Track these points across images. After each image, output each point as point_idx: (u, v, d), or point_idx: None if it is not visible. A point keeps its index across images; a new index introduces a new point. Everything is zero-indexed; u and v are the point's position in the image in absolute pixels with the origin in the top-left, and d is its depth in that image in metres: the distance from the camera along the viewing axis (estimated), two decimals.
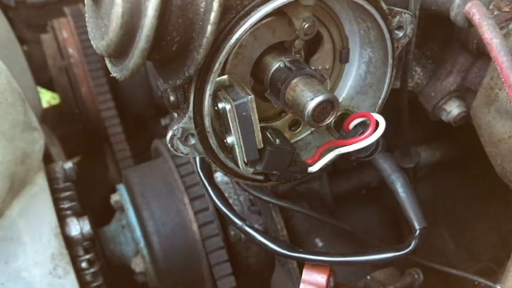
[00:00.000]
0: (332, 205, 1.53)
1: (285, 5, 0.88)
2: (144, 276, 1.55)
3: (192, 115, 0.93)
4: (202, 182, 1.11)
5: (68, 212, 1.32)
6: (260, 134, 0.93)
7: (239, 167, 0.98)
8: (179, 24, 0.80)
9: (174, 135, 0.94)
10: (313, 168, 1.02)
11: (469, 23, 0.97)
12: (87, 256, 1.31)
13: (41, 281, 1.21)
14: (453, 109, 1.20)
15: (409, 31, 1.02)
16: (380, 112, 1.07)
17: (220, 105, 0.92)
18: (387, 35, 0.99)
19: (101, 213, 1.72)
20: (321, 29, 1.01)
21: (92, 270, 1.31)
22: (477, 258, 1.69)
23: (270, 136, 0.98)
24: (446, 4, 1.01)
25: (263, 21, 0.93)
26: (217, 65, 0.88)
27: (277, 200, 1.32)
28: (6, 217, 1.22)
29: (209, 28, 0.79)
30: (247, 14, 0.86)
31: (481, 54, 1.13)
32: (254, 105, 0.90)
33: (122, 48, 0.81)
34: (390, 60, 1.02)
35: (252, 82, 1.01)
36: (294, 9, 0.93)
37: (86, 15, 0.90)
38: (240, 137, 0.92)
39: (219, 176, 1.49)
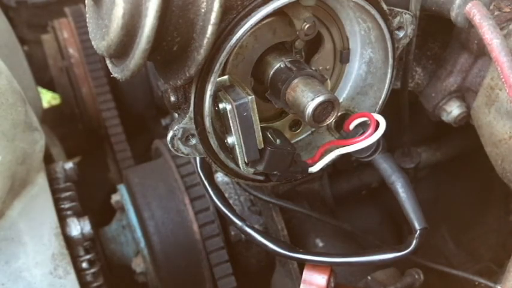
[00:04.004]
0: (332, 205, 1.53)
1: (286, 6, 0.88)
2: (145, 277, 1.55)
3: (192, 115, 0.93)
4: (203, 182, 1.11)
5: (69, 212, 1.32)
6: (261, 134, 0.93)
7: (240, 167, 0.98)
8: (180, 24, 0.80)
9: (175, 135, 0.94)
10: (313, 169, 1.02)
11: (470, 23, 0.97)
12: (88, 256, 1.31)
13: (41, 281, 1.21)
14: (453, 109, 1.20)
15: (409, 31, 1.02)
16: (380, 112, 1.07)
17: (220, 106, 0.92)
18: (388, 36, 0.99)
19: (102, 214, 1.72)
20: (322, 30, 1.01)
21: (92, 270, 1.31)
22: (477, 259, 1.69)
23: (270, 136, 0.98)
24: (447, 4, 1.01)
25: (264, 22, 0.93)
26: (217, 65, 0.88)
27: (277, 200, 1.32)
28: (7, 217, 1.22)
29: (210, 28, 0.79)
30: (248, 14, 0.87)
31: (482, 55, 1.13)
32: (255, 106, 0.90)
33: (122, 48, 0.81)
34: (391, 61, 1.02)
35: (252, 82, 1.01)
36: (294, 9, 0.93)
37: (87, 15, 0.90)
38: (241, 137, 0.93)
39: (219, 176, 1.49)
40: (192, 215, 1.47)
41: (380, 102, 1.07)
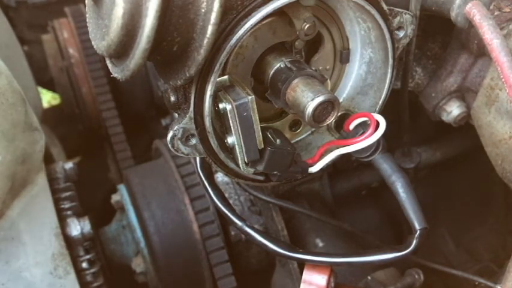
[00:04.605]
0: (332, 205, 1.53)
1: (286, 6, 0.88)
2: (145, 277, 1.55)
3: (192, 115, 0.93)
4: (203, 182, 1.11)
5: (69, 212, 1.32)
6: (261, 134, 0.93)
7: (240, 167, 0.98)
8: (180, 24, 0.80)
9: (175, 135, 0.94)
10: (313, 169, 1.02)
11: (470, 23, 0.97)
12: (88, 256, 1.31)
13: (41, 281, 1.21)
14: (454, 109, 1.20)
15: (409, 31, 1.02)
16: (380, 112, 1.07)
17: (220, 106, 0.92)
18: (388, 36, 0.99)
19: (102, 214, 1.72)
20: (322, 30, 1.01)
21: (92, 270, 1.31)
22: (477, 259, 1.69)
23: (270, 136, 0.98)
24: (447, 4, 1.01)
25: (264, 22, 0.93)
26: (217, 65, 0.88)
27: (277, 200, 1.32)
28: (7, 217, 1.22)
29: (210, 28, 0.79)
30: (248, 14, 0.87)
31: (482, 55, 1.13)
32: (255, 106, 0.90)
33: (122, 48, 0.81)
34: (391, 61, 1.02)
35: (252, 82, 1.01)
36: (294, 9, 0.93)
37: (87, 15, 0.90)
38: (241, 137, 0.92)
39: (219, 176, 1.49)
40: (192, 215, 1.47)
41: (380, 102, 1.07)
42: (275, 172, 0.98)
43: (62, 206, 1.32)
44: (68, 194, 1.35)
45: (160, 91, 2.02)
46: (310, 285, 1.02)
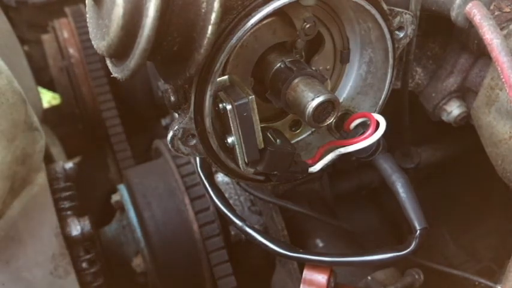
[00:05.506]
0: (333, 205, 1.53)
1: (286, 6, 0.88)
2: (145, 277, 1.55)
3: (192, 115, 0.93)
4: (203, 182, 1.11)
5: (69, 212, 1.32)
6: (261, 134, 0.94)
7: (240, 167, 0.98)
8: (180, 24, 0.80)
9: (175, 135, 0.94)
10: (313, 169, 1.02)
11: (470, 23, 0.97)
12: (88, 256, 1.31)
13: (41, 281, 1.21)
14: (454, 109, 1.20)
15: (409, 31, 1.02)
16: (381, 112, 1.07)
17: (221, 106, 0.92)
18: (388, 36, 0.99)
19: (102, 214, 1.72)
20: (322, 30, 1.01)
21: (92, 270, 1.31)
22: (477, 259, 1.69)
23: (270, 136, 0.98)
24: (447, 4, 1.01)
25: (264, 22, 0.93)
26: (218, 65, 0.88)
27: (277, 200, 1.32)
28: (7, 217, 1.22)
29: (210, 28, 0.79)
30: (248, 14, 0.87)
31: (482, 55, 1.13)
32: (255, 106, 0.90)
33: (122, 48, 0.81)
34: (391, 61, 1.02)
35: (252, 82, 1.01)
36: (294, 9, 0.93)
37: (87, 15, 0.90)
38: (241, 137, 0.93)
39: (219, 176, 1.49)
40: (192, 215, 1.47)
41: (380, 102, 1.07)
42: (275, 172, 0.98)
43: (62, 206, 1.32)
44: (68, 193, 1.35)
45: (160, 91, 2.02)
46: (310, 285, 1.02)
